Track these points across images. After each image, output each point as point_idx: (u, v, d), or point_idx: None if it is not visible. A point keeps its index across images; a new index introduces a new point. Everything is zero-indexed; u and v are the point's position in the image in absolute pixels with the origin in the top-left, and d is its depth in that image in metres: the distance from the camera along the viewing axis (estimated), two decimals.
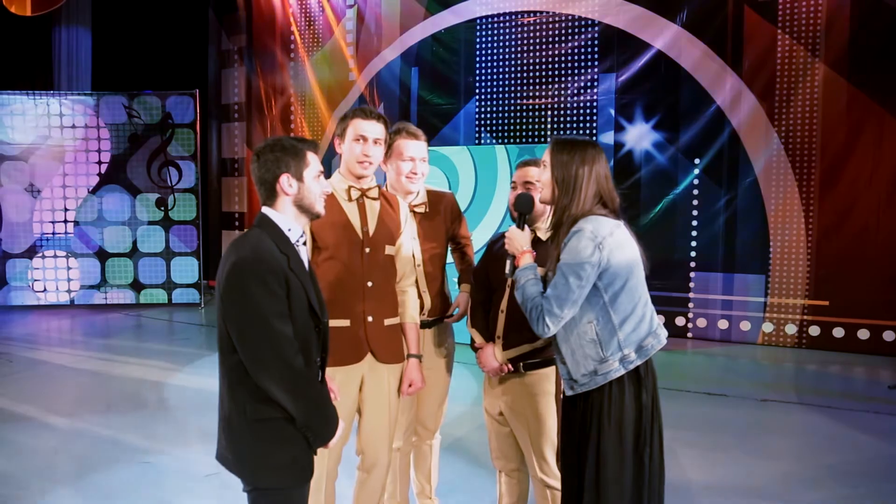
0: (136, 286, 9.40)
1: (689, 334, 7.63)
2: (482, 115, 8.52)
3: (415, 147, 2.99)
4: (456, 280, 3.29)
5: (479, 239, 5.65)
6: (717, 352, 7.22)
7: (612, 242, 2.22)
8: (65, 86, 10.05)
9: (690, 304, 7.63)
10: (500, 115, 8.42)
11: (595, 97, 7.89)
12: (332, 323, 2.40)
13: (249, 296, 1.96)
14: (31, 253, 9.24)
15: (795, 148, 7.10)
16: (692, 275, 7.60)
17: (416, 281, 2.94)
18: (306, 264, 2.17)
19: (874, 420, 5.02)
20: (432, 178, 3.79)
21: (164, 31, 10.43)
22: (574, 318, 2.26)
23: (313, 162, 2.15)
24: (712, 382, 6.01)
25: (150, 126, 9.28)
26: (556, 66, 8.08)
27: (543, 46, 8.13)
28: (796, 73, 7.05)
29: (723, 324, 7.52)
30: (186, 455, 4.27)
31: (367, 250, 2.68)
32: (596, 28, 7.85)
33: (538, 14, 8.15)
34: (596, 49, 7.87)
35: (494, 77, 8.42)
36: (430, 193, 3.14)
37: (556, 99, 8.10)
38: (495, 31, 8.39)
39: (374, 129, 2.71)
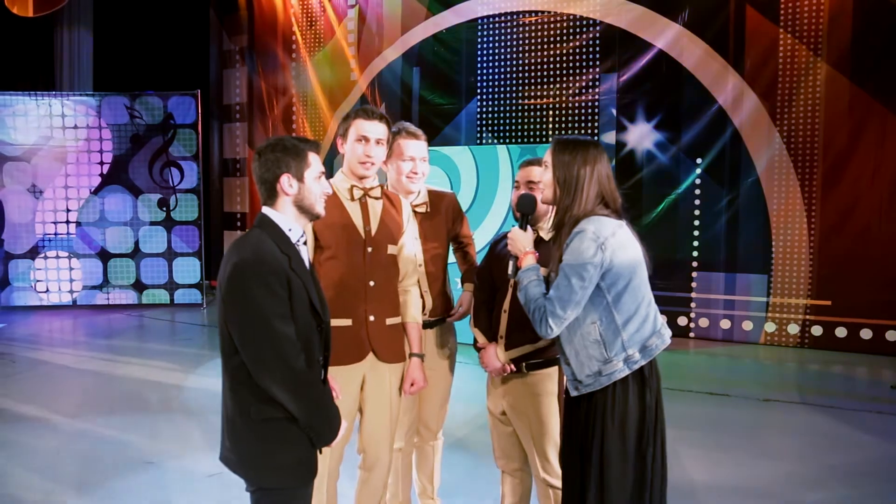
0: (139, 286, 9.41)
1: (692, 334, 7.61)
2: (484, 115, 8.52)
3: (415, 147, 2.99)
4: (458, 280, 3.29)
5: (480, 239, 5.64)
6: (719, 352, 7.21)
7: (614, 243, 2.21)
8: (67, 86, 10.05)
9: (693, 304, 7.62)
10: (502, 114, 8.41)
11: (597, 97, 7.88)
12: (334, 322, 2.40)
13: (251, 297, 1.96)
14: (33, 253, 9.25)
15: (797, 147, 7.08)
16: (694, 274, 7.59)
17: (418, 281, 2.93)
18: (307, 264, 2.17)
19: (877, 420, 5.01)
20: (433, 178, 3.79)
21: (165, 31, 10.44)
22: (577, 318, 2.25)
23: (314, 162, 2.14)
24: (715, 382, 6.00)
25: (151, 126, 9.28)
26: (558, 65, 8.07)
27: (545, 46, 8.12)
28: (798, 72, 7.04)
29: (725, 323, 7.51)
30: (189, 455, 4.27)
31: (370, 250, 2.68)
32: (597, 28, 7.84)
33: (539, 14, 8.14)
34: (597, 49, 7.86)
35: (496, 77, 8.42)
36: (431, 193, 3.14)
37: (557, 99, 8.09)
38: (497, 31, 8.38)
39: (376, 129, 2.70)
